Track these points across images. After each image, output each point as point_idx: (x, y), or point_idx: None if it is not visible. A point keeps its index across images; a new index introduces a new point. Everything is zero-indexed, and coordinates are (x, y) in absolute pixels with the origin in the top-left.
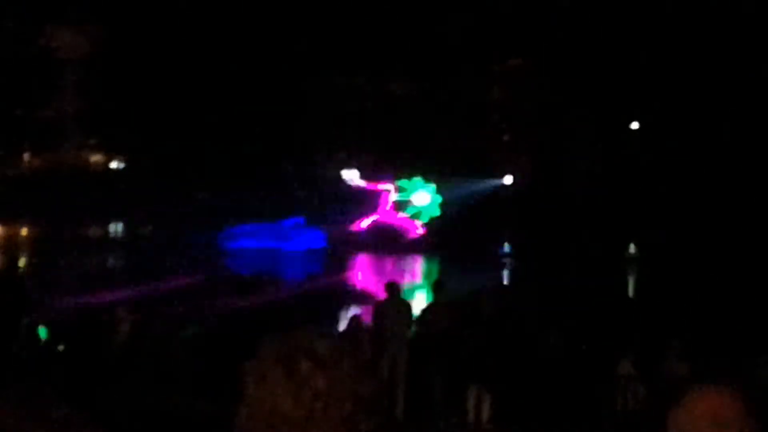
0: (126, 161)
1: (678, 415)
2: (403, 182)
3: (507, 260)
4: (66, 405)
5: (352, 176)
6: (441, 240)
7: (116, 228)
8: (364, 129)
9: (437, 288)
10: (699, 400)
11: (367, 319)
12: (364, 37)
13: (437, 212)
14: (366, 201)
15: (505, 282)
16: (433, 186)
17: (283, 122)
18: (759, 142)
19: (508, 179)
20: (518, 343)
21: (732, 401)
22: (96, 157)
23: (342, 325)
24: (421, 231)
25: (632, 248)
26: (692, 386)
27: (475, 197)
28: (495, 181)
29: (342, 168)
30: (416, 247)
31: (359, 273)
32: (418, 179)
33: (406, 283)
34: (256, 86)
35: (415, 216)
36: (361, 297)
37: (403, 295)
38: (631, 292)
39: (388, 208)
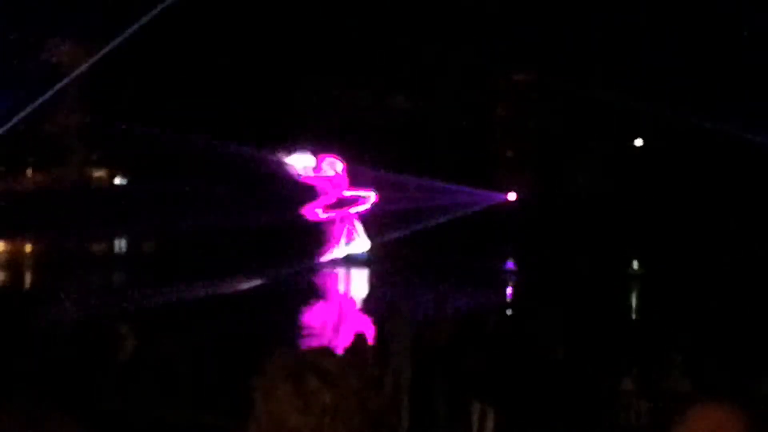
0: (129, 177)
1: (680, 431)
2: None
3: (510, 276)
4: (68, 417)
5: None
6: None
7: (120, 243)
8: (366, 143)
9: (441, 304)
10: (700, 416)
11: (372, 335)
12: (368, 50)
13: None
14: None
15: (509, 298)
16: None
17: (283, 136)
18: (763, 158)
19: (511, 195)
20: (521, 359)
21: (733, 418)
22: (99, 173)
23: (347, 341)
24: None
25: (635, 265)
26: (694, 403)
27: (478, 213)
28: (499, 197)
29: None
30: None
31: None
32: None
33: (409, 298)
34: (257, 100)
35: None
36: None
37: (406, 311)
38: (633, 308)
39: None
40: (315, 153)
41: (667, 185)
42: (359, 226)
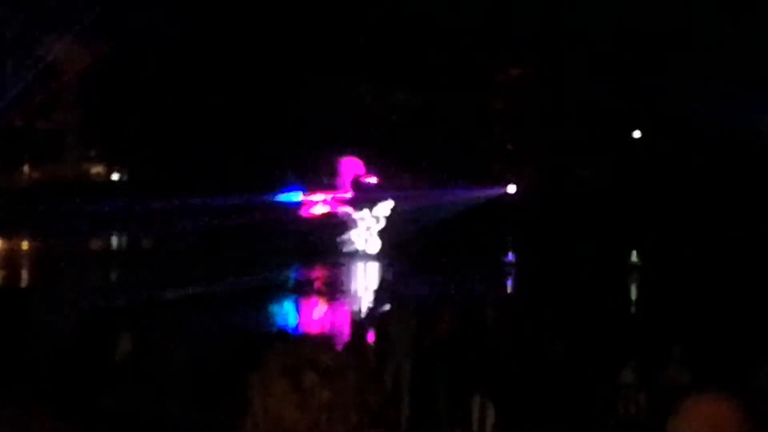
0: (127, 173)
1: (677, 423)
2: None
3: (511, 269)
4: (61, 417)
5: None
6: (442, 248)
7: (119, 240)
8: (365, 138)
9: (440, 298)
10: (698, 407)
11: (372, 330)
12: (367, 45)
13: None
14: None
15: (509, 291)
16: None
17: (283, 132)
18: (763, 150)
19: (511, 188)
20: (522, 352)
21: (731, 409)
22: (97, 169)
23: (347, 336)
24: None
25: (634, 256)
26: (692, 394)
27: (478, 206)
28: (498, 190)
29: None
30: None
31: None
32: None
33: (410, 292)
34: (257, 97)
35: None
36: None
37: (407, 305)
38: (633, 299)
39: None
40: (320, 152)
41: (666, 177)
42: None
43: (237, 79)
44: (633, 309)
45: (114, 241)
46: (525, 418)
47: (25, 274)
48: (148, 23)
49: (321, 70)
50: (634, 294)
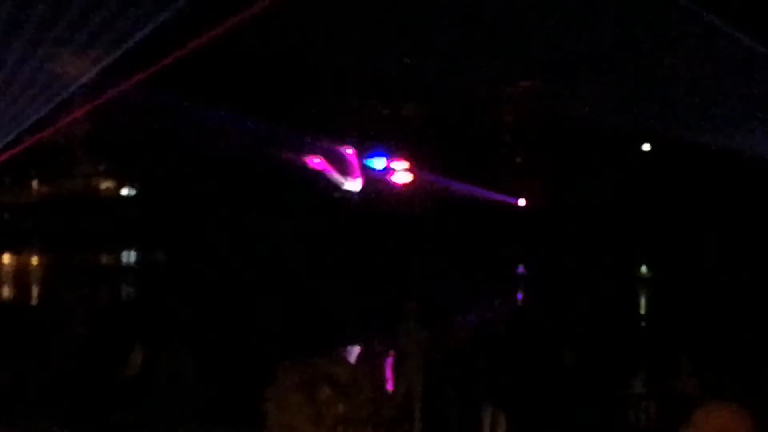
0: (137, 187)
1: None
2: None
3: (522, 282)
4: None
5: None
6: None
7: (129, 256)
8: (376, 150)
9: (452, 310)
10: (707, 417)
11: (385, 343)
12: (375, 58)
13: None
14: None
15: (520, 303)
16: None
17: (293, 143)
18: None
19: (521, 201)
20: (533, 363)
21: (740, 418)
22: (106, 184)
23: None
24: None
25: (644, 268)
26: (701, 404)
27: (488, 219)
28: (509, 203)
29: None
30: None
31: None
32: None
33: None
34: (267, 108)
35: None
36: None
37: (419, 318)
38: (642, 311)
39: None
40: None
41: (675, 189)
42: None
43: (245, 91)
44: (642, 319)
45: (125, 255)
46: (536, 428)
47: (34, 290)
48: (154, 35)
49: (331, 83)
50: (643, 305)
